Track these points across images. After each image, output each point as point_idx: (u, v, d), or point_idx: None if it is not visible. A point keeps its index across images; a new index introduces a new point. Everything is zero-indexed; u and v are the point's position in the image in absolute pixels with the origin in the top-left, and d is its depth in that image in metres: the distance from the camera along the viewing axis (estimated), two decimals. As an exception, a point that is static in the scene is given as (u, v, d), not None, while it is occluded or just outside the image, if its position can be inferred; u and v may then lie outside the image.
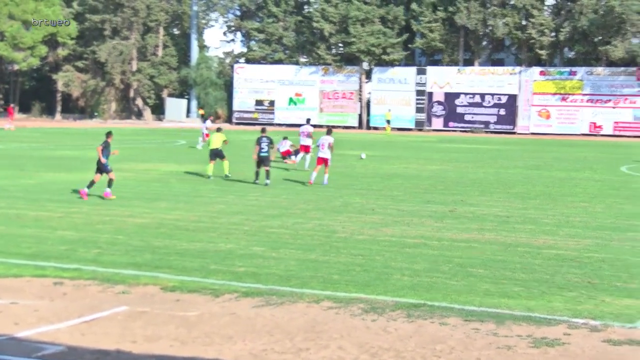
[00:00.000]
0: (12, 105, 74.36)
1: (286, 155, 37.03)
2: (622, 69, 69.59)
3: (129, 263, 14.28)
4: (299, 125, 45.50)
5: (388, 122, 72.06)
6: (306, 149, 33.54)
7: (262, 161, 27.05)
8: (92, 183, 23.09)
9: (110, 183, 22.97)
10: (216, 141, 30.03)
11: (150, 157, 38.54)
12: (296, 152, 38.43)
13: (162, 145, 47.61)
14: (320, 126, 37.91)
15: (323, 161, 27.40)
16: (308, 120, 36.40)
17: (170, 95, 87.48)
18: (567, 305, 11.60)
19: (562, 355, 9.38)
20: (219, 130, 31.28)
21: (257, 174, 27.29)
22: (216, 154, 29.68)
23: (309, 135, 33.62)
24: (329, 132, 28.46)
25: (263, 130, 28.58)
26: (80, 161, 35.69)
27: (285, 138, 38.20)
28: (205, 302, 11.70)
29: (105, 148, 23.21)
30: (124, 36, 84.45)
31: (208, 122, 45.67)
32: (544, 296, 12.10)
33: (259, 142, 27.35)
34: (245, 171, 29.38)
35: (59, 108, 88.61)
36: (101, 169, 23.15)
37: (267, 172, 26.95)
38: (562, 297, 12.06)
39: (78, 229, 17.80)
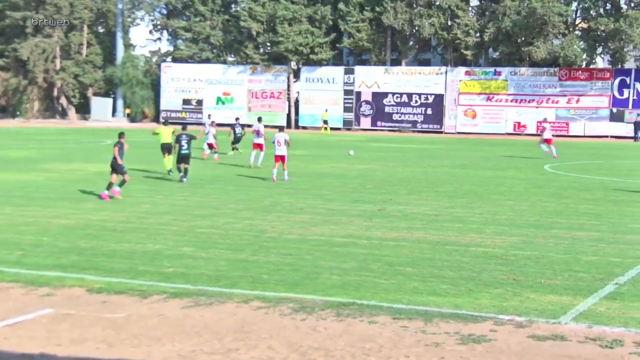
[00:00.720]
0: None
1: (211, 146, 36.95)
2: (545, 69, 70.99)
3: (54, 265, 14.01)
4: (227, 125, 45.60)
5: (325, 122, 71.98)
6: (259, 146, 33.73)
7: (182, 159, 27.45)
8: (110, 184, 22.97)
9: (122, 183, 23.19)
10: (166, 135, 30.55)
11: (76, 157, 37.90)
12: (236, 141, 39.26)
13: (87, 145, 46.84)
14: (266, 126, 37.83)
15: (280, 158, 28.26)
16: (259, 119, 36.74)
17: (96, 94, 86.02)
18: (494, 302, 11.79)
19: (488, 351, 9.52)
20: (165, 124, 31.95)
21: (178, 169, 27.55)
22: (166, 148, 30.20)
23: (259, 134, 34.01)
24: (281, 130, 29.36)
25: (184, 128, 29.00)
26: (1, 161, 34.90)
27: (209, 116, 38.41)
28: (132, 303, 11.56)
29: (120, 148, 23.26)
30: (47, 34, 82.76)
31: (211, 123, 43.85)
32: (471, 293, 12.27)
33: (178, 140, 27.83)
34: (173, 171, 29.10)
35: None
36: (116, 169, 23.13)
37: (186, 169, 27.44)
38: (488, 294, 12.26)
39: (0, 230, 17.40)
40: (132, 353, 9.30)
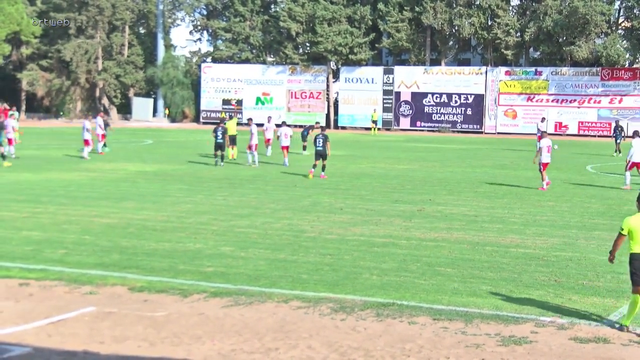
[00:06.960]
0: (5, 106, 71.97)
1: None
2: (587, 69, 70.19)
3: (97, 263, 14.17)
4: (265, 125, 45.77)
5: (374, 122, 71.48)
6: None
7: (218, 147, 33.56)
8: (314, 165, 29.11)
9: (324, 168, 29.19)
10: (232, 128, 36.37)
11: (117, 156, 38.26)
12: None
13: (128, 145, 47.28)
14: (294, 125, 38.17)
15: (285, 148, 34.51)
16: (281, 121, 39.02)
17: (137, 94, 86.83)
18: (535, 303, 11.69)
19: (529, 353, 9.45)
20: (231, 117, 35.99)
21: (215, 155, 33.78)
22: (232, 140, 35.73)
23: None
24: (283, 124, 36.28)
25: (219, 122, 34.93)
26: (45, 161, 35.33)
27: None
28: (173, 302, 11.65)
29: (325, 141, 28.74)
30: (89, 35, 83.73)
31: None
32: (512, 294, 12.18)
33: (214, 131, 33.80)
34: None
35: (23, 107, 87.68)
36: (323, 156, 28.92)
37: (222, 155, 33.75)
38: (529, 295, 12.16)
39: (44, 229, 17.63)
40: (172, 351, 9.37)
